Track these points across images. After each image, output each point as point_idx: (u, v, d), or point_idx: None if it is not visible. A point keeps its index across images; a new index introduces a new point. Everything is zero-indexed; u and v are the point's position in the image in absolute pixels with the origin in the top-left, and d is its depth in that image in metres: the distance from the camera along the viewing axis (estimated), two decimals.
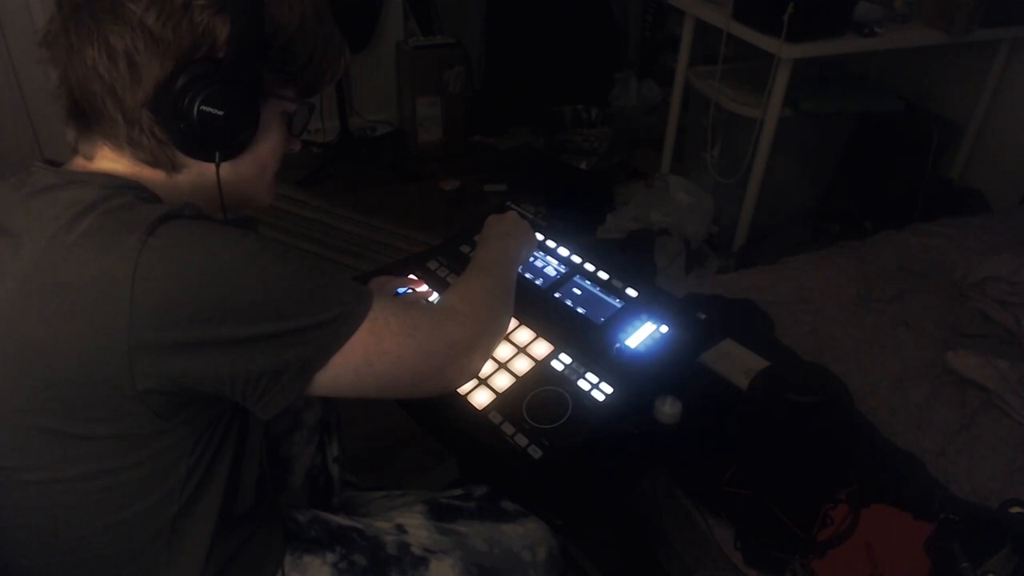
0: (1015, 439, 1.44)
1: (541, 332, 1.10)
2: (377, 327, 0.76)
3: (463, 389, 1.02)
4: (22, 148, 2.55)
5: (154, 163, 0.76)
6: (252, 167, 0.82)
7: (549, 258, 1.23)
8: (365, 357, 0.75)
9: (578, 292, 1.17)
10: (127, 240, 0.66)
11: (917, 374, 1.60)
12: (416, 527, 0.98)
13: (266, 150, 0.82)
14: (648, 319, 1.11)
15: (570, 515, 0.97)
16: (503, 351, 1.07)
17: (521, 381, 1.03)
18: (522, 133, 3.27)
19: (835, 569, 1.13)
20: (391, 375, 0.79)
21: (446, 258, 1.22)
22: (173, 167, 0.76)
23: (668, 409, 1.02)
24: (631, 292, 1.16)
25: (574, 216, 2.72)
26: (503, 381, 1.03)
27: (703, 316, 1.13)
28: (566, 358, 1.06)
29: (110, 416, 0.70)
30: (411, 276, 1.18)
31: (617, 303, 1.14)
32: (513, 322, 1.11)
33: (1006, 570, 0.89)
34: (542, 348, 1.07)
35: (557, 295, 1.17)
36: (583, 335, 1.10)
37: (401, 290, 1.15)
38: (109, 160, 0.76)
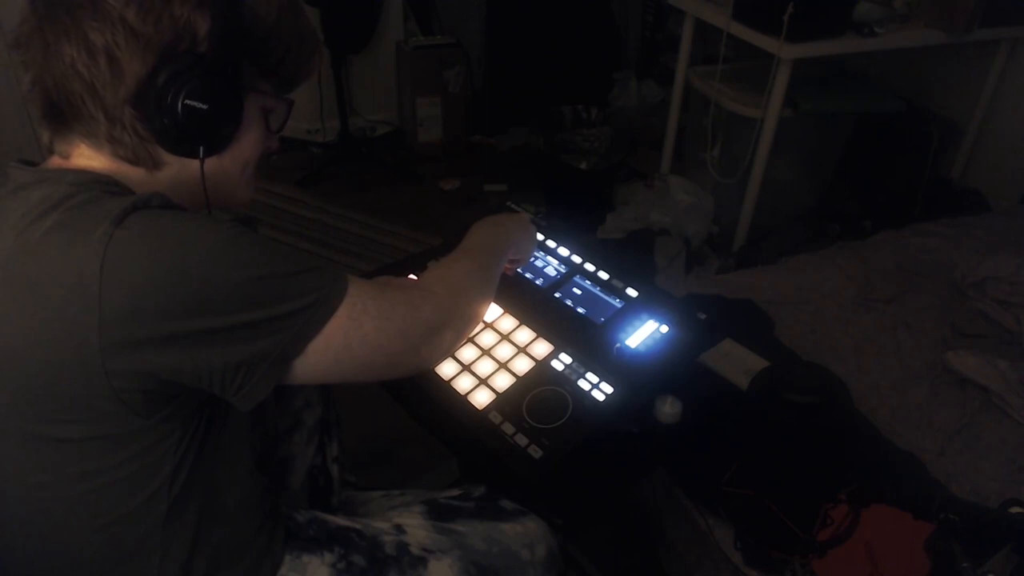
0: (1015, 439, 1.44)
1: (541, 332, 1.10)
2: (355, 311, 0.75)
3: (463, 389, 1.02)
4: (22, 148, 2.55)
5: (135, 160, 0.75)
6: (233, 163, 0.81)
7: (549, 258, 1.23)
8: (344, 341, 0.75)
9: (578, 292, 1.17)
10: (93, 233, 0.65)
11: (917, 374, 1.60)
12: (415, 527, 0.98)
13: (247, 145, 0.81)
14: (648, 319, 1.12)
15: (570, 514, 0.97)
16: (503, 351, 1.07)
17: (521, 381, 1.03)
18: (522, 133, 3.27)
19: (835, 569, 1.13)
20: (369, 358, 0.78)
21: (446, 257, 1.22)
22: (154, 164, 0.76)
23: (668, 409, 1.02)
24: (631, 292, 1.16)
25: (574, 216, 2.72)
26: (503, 381, 1.03)
27: (703, 316, 1.13)
28: (566, 358, 1.06)
29: (85, 417, 0.69)
30: (411, 276, 1.18)
31: (617, 303, 1.15)
32: (513, 322, 1.11)
33: (1006, 570, 0.89)
34: (542, 348, 1.07)
35: (557, 295, 1.17)
36: (583, 335, 1.10)
37: None
38: (86, 158, 0.75)
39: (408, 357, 0.84)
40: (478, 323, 0.99)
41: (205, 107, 0.72)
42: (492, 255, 1.01)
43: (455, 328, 0.89)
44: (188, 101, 0.71)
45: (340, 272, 0.77)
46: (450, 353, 1.01)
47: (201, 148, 0.75)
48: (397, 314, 0.80)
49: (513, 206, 1.36)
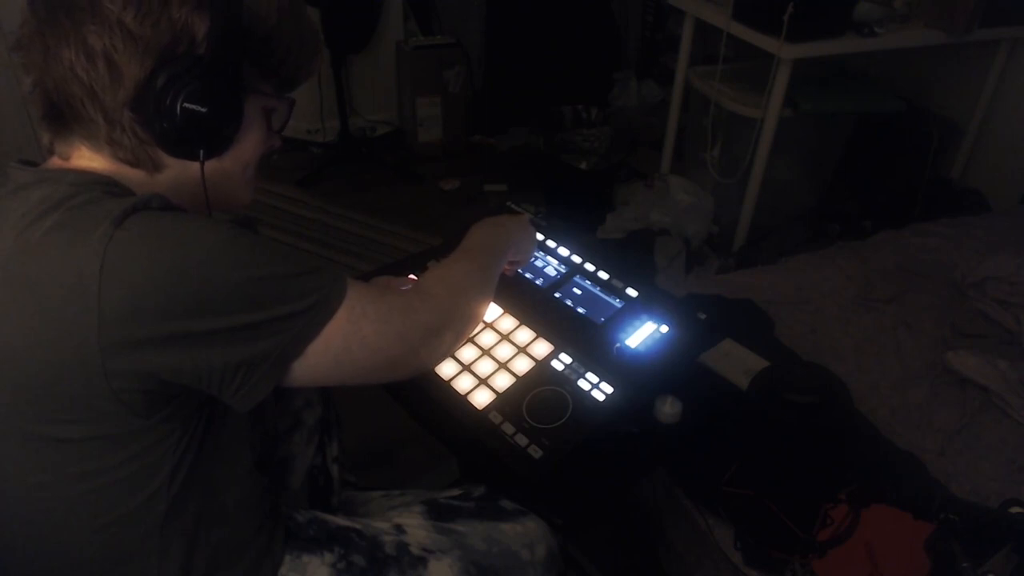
0: (1015, 439, 1.44)
1: (541, 332, 1.10)
2: (354, 314, 0.75)
3: (463, 389, 1.02)
4: (22, 148, 2.55)
5: (135, 162, 0.75)
6: (234, 164, 0.81)
7: (549, 258, 1.23)
8: (344, 343, 0.75)
9: (578, 292, 1.17)
10: (93, 234, 0.65)
11: (917, 374, 1.60)
12: (415, 527, 0.98)
13: (248, 147, 0.81)
14: (648, 319, 1.12)
15: (570, 514, 0.97)
16: (503, 351, 1.07)
17: (521, 381, 1.03)
18: (522, 133, 3.28)
19: (835, 569, 1.13)
20: (368, 360, 0.78)
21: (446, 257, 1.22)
22: (155, 166, 0.76)
23: (668, 409, 1.02)
24: (631, 292, 1.16)
25: (574, 216, 2.72)
26: (503, 381, 1.03)
27: (703, 316, 1.13)
28: (566, 358, 1.06)
29: (85, 417, 0.69)
30: (411, 276, 1.18)
31: (617, 303, 1.15)
32: (513, 322, 1.11)
33: (1006, 570, 0.89)
34: (542, 348, 1.07)
35: (557, 295, 1.17)
36: (583, 335, 1.10)
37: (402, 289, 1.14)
38: (86, 159, 0.75)
39: (408, 359, 0.84)
40: (478, 324, 0.99)
41: (204, 110, 0.72)
42: (492, 256, 1.01)
43: (454, 329, 0.89)
44: (187, 104, 0.71)
45: (340, 273, 0.77)
46: (450, 354, 1.01)
47: (201, 151, 0.75)
48: (396, 316, 0.80)
49: (513, 206, 1.36)
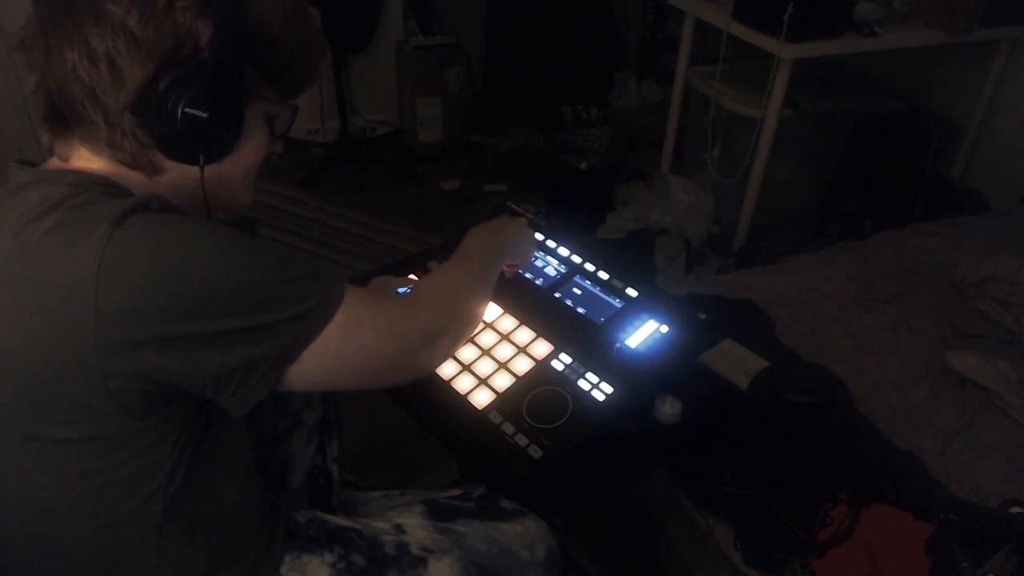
0: (1015, 439, 1.44)
1: (541, 332, 1.10)
2: (351, 318, 0.75)
3: (463, 389, 1.02)
4: (22, 148, 2.55)
5: (135, 165, 0.75)
6: (235, 169, 0.81)
7: (549, 258, 1.23)
8: (339, 349, 0.75)
9: (578, 292, 1.17)
10: (92, 235, 0.65)
11: (917, 374, 1.60)
12: (415, 527, 0.98)
13: (249, 152, 0.81)
14: (648, 319, 1.12)
15: (570, 514, 0.97)
16: (503, 351, 1.07)
17: (521, 381, 1.03)
18: (522, 133, 3.28)
19: (835, 569, 1.13)
20: (364, 366, 0.79)
21: (446, 258, 1.22)
22: (154, 169, 0.76)
23: (668, 409, 1.02)
24: (631, 292, 1.16)
25: (574, 216, 2.72)
26: (503, 381, 1.03)
27: (703, 316, 1.13)
28: (566, 358, 1.06)
29: (84, 418, 0.69)
30: (411, 276, 1.18)
31: (617, 303, 1.15)
32: (513, 322, 1.11)
33: (1006, 570, 0.89)
34: (542, 348, 1.07)
35: (557, 295, 1.17)
36: (583, 335, 1.10)
37: (401, 290, 1.15)
38: (85, 160, 0.75)
39: (405, 363, 0.84)
40: (475, 328, 0.99)
41: (205, 115, 0.72)
42: (489, 259, 1.01)
43: (452, 334, 0.89)
44: (188, 108, 0.71)
45: (339, 275, 0.77)
46: (446, 359, 1.00)
47: (201, 156, 0.75)
48: (393, 320, 0.81)
49: (513, 206, 1.36)
